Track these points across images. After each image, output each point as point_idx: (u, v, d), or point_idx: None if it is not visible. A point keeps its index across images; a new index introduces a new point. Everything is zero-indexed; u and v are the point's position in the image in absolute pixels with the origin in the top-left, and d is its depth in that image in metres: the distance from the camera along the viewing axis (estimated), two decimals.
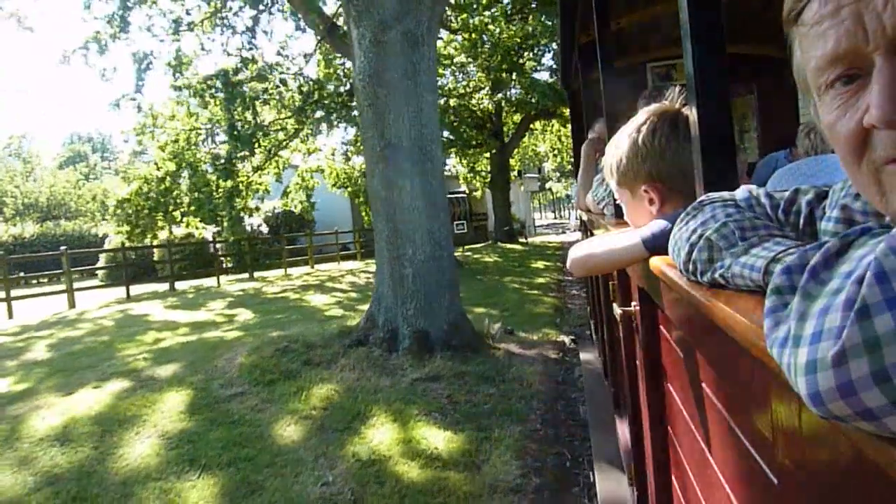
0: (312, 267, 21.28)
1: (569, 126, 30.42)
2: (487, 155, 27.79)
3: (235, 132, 16.03)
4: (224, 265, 25.05)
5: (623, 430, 3.08)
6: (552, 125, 30.54)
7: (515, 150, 28.89)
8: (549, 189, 68.40)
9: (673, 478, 1.55)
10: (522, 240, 26.29)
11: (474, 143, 28.08)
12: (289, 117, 18.20)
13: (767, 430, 0.69)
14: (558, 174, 61.81)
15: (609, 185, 1.72)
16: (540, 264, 18.10)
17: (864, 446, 0.41)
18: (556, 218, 72.86)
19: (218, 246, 25.05)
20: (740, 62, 4.41)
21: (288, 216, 26.91)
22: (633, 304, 1.85)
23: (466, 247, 25.86)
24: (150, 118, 17.95)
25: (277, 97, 17.30)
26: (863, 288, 0.39)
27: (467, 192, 30.63)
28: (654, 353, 1.61)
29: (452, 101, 20.59)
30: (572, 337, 8.42)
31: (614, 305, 2.19)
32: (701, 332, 0.99)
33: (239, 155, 16.18)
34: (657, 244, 1.19)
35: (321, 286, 15.43)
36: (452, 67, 22.11)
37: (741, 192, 0.90)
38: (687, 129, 1.32)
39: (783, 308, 0.48)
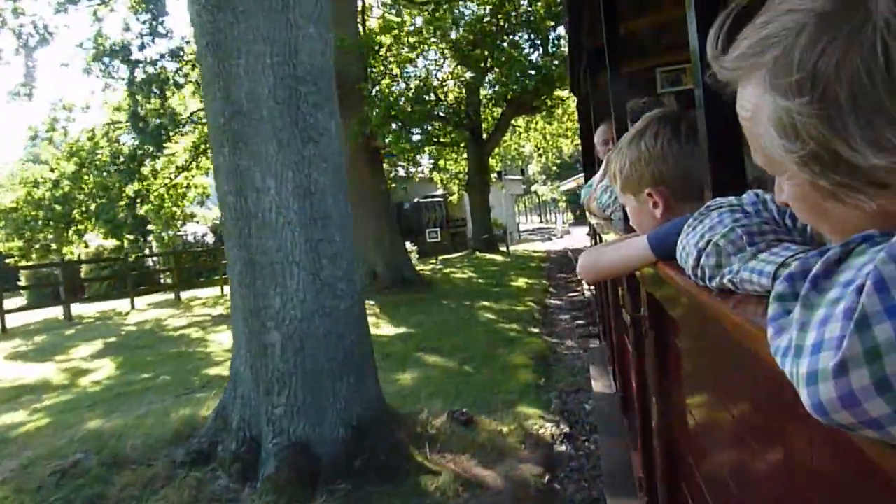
0: None
1: (555, 123, 27.28)
2: (465, 155, 24.60)
3: (141, 124, 12.70)
4: (162, 281, 21.79)
5: (632, 435, 2.82)
6: (536, 122, 27.41)
7: (496, 149, 25.68)
8: (535, 192, 65.42)
9: (682, 484, 1.53)
10: (504, 248, 23.03)
11: (448, 140, 24.90)
12: None
13: (777, 435, 0.70)
14: (544, 176, 58.73)
15: (613, 191, 2.08)
16: (522, 282, 14.87)
17: (871, 453, 0.42)
18: (542, 222, 69.86)
19: (154, 260, 21.72)
20: None
21: None
22: (642, 309, 1.86)
23: (441, 257, 22.61)
24: (60, 110, 14.59)
25: (197, 82, 13.98)
26: (862, 297, 0.38)
27: (444, 195, 27.39)
28: (662, 359, 1.62)
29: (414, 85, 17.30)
30: (564, 424, 5.20)
31: (623, 311, 2.36)
32: (710, 338, 0.98)
33: (143, 152, 12.82)
34: (666, 249, 1.12)
35: None
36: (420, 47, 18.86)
37: (748, 197, 0.91)
38: (689, 132, 1.33)
39: (785, 315, 0.48)
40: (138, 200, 13.48)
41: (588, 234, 8.68)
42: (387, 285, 13.61)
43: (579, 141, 28.14)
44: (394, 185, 24.68)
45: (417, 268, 18.79)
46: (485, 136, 24.28)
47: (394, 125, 13.21)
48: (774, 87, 0.52)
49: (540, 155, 28.32)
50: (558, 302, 12.15)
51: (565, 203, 56.96)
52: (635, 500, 2.49)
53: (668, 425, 1.59)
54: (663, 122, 1.39)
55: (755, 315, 0.64)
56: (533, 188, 63.82)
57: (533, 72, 15.65)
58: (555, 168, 54.19)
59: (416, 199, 27.96)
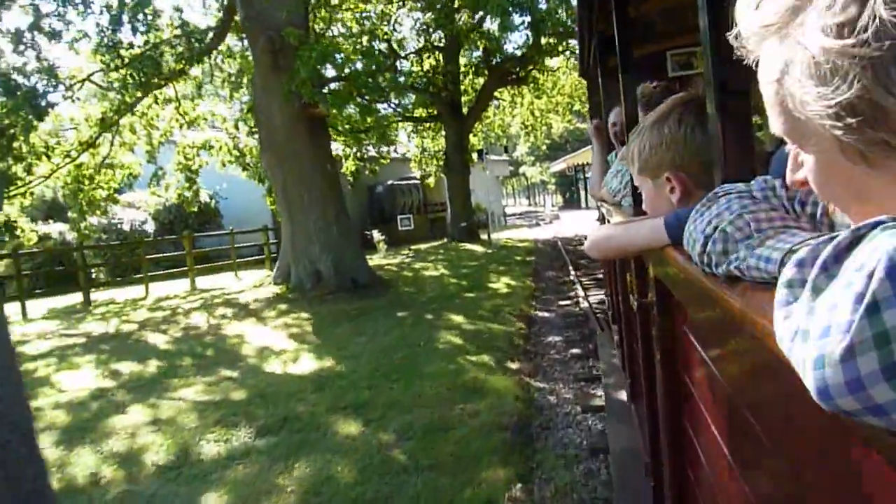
0: (193, 283, 14.97)
1: (544, 98, 24.30)
2: (443, 133, 21.65)
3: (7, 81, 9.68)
4: (94, 276, 18.78)
5: (639, 420, 2.94)
6: (522, 94, 24.43)
7: (476, 125, 22.71)
8: (523, 174, 62.50)
9: (688, 468, 1.53)
10: (486, 236, 20.14)
11: (424, 114, 21.93)
12: (121, 65, 11.84)
13: (781, 421, 0.69)
14: (532, 158, 55.72)
15: (623, 177, 2.23)
16: (503, 283, 12.03)
17: (874, 441, 0.42)
18: (530, 205, 67.14)
19: (84, 252, 18.69)
20: None
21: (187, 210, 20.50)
22: (649, 295, 1.84)
23: (414, 247, 19.73)
24: None
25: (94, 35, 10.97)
26: (872, 282, 0.38)
27: (423, 177, 24.44)
28: (670, 345, 1.61)
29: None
30: None
31: (631, 296, 2.30)
32: (716, 324, 0.95)
33: (13, 122, 9.81)
34: (681, 230, 1.03)
35: (119, 339, 9.20)
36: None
37: (757, 184, 0.89)
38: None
39: (793, 301, 0.47)
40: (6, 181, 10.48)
41: (597, 220, 6.97)
42: (332, 290, 10.73)
43: (572, 118, 25.17)
44: (364, 164, 21.78)
45: (383, 262, 15.91)
46: (465, 110, 21.32)
47: (336, 87, 10.23)
48: (817, 29, 0.48)
49: (527, 133, 25.37)
50: (547, 314, 9.33)
51: (555, 186, 54.12)
52: (643, 484, 2.44)
53: (675, 411, 1.57)
54: (688, 107, 1.35)
55: (762, 302, 0.63)
56: (521, 170, 60.91)
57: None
58: (544, 148, 51.31)
59: (389, 182, 25.00)
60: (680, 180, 1.35)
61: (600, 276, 12.30)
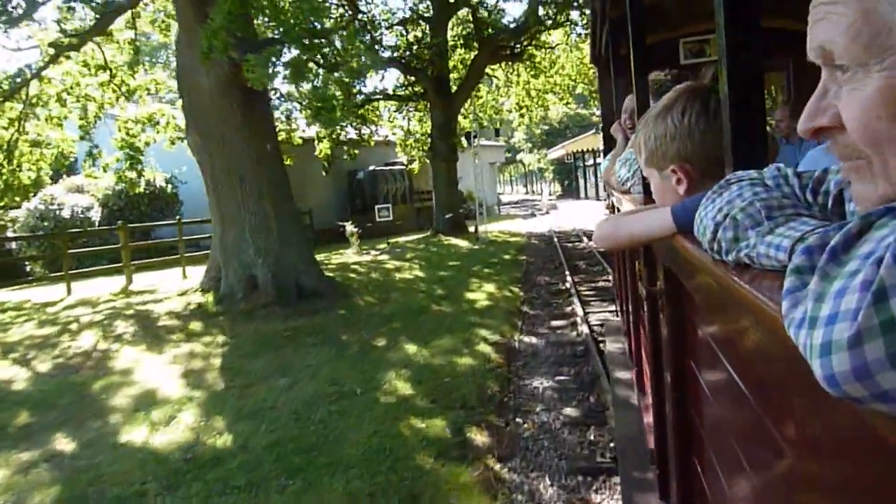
0: (129, 281, 12.78)
1: (542, 77, 22.03)
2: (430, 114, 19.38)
3: None
4: (29, 270, 16.59)
5: (645, 409, 2.90)
6: (517, 72, 22.14)
7: (467, 106, 20.42)
8: (520, 161, 60.20)
9: (694, 456, 1.52)
10: (474, 230, 17.89)
11: (409, 92, 19.67)
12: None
13: (789, 410, 0.69)
14: (530, 144, 53.35)
15: (632, 165, 2.22)
16: (484, 292, 9.84)
17: (880, 427, 0.41)
18: (528, 193, 64.91)
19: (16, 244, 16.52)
20: (775, 37, 4.07)
21: (140, 196, 18.28)
22: (658, 283, 1.83)
23: (393, 241, 17.54)
24: None
25: None
26: (881, 269, 0.38)
27: (407, 163, 22.17)
28: (678, 333, 1.60)
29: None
30: None
31: (640, 284, 2.23)
32: (726, 313, 0.96)
33: None
34: (689, 222, 1.02)
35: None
36: None
37: (769, 171, 0.89)
38: (718, 109, 1.25)
39: (802, 288, 0.47)
40: None
41: (607, 209, 6.76)
42: (269, 301, 8.55)
43: (571, 101, 22.82)
44: (345, 148, 19.56)
45: (351, 261, 13.72)
46: (453, 89, 19.04)
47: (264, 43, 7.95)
48: None
49: (522, 115, 23.07)
50: (534, 340, 7.16)
51: (552, 173, 51.87)
52: (648, 472, 2.46)
53: (682, 400, 1.57)
54: (693, 97, 1.33)
55: (771, 290, 0.63)
56: (518, 157, 58.61)
57: None
58: (539, 132, 48.93)
59: (372, 168, 22.74)
60: (685, 172, 1.32)
61: (602, 283, 10.19)
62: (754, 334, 0.76)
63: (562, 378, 5.77)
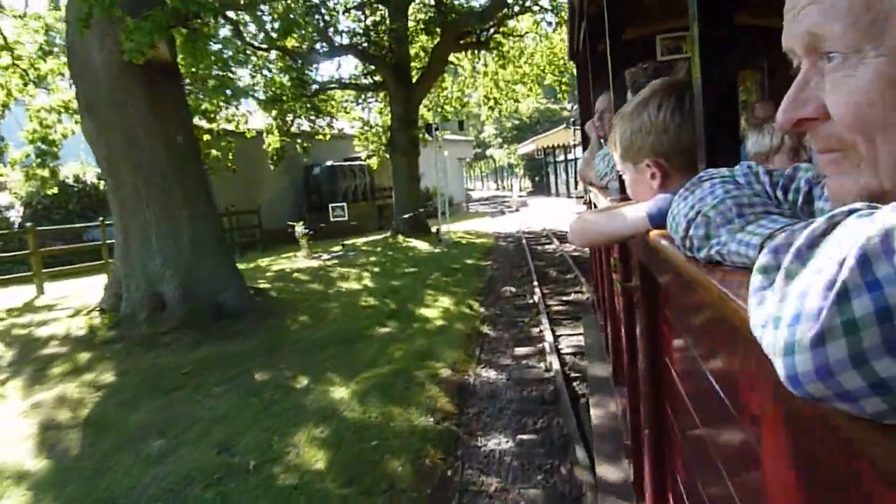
0: (40, 291, 11.15)
1: (510, 67, 20.79)
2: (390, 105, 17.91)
3: None
4: None
5: (621, 402, 2.96)
6: (484, 62, 20.83)
7: (431, 97, 19.03)
8: (490, 156, 59.06)
9: (667, 451, 1.53)
10: (441, 229, 16.46)
11: (368, 82, 18.21)
12: None
13: (757, 406, 0.70)
14: (500, 139, 52.15)
15: (610, 160, 2.21)
16: (440, 307, 8.47)
17: (842, 426, 0.42)
18: (498, 189, 63.85)
19: None
20: (751, 35, 4.12)
21: (67, 194, 16.56)
22: (633, 279, 1.86)
23: (349, 242, 16.10)
24: None
25: None
26: (843, 270, 0.38)
27: (366, 158, 20.66)
28: (652, 328, 1.61)
29: None
30: None
31: (616, 280, 2.29)
32: (697, 309, 0.98)
33: None
34: (662, 218, 1.06)
35: None
36: None
37: (740, 169, 0.89)
38: (693, 105, 1.26)
39: (768, 287, 0.47)
40: None
41: (584, 204, 6.25)
42: (178, 323, 7.07)
43: (542, 93, 21.63)
44: (298, 141, 18.02)
45: (296, 267, 12.26)
46: (414, 77, 17.62)
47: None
48: None
49: (491, 108, 21.74)
50: (494, 375, 5.83)
51: (523, 169, 50.77)
52: (623, 465, 2.48)
53: (656, 394, 1.57)
54: (668, 92, 1.34)
55: (741, 287, 0.63)
56: (488, 152, 57.46)
57: None
58: (509, 126, 47.77)
59: (329, 163, 21.22)
60: (660, 166, 1.33)
61: (575, 295, 8.94)
62: (725, 330, 0.75)
63: (526, 437, 4.44)
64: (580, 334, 6.72)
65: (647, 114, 1.33)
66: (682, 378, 1.29)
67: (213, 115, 13.39)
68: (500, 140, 51.96)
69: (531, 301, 8.70)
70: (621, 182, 1.86)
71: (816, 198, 0.83)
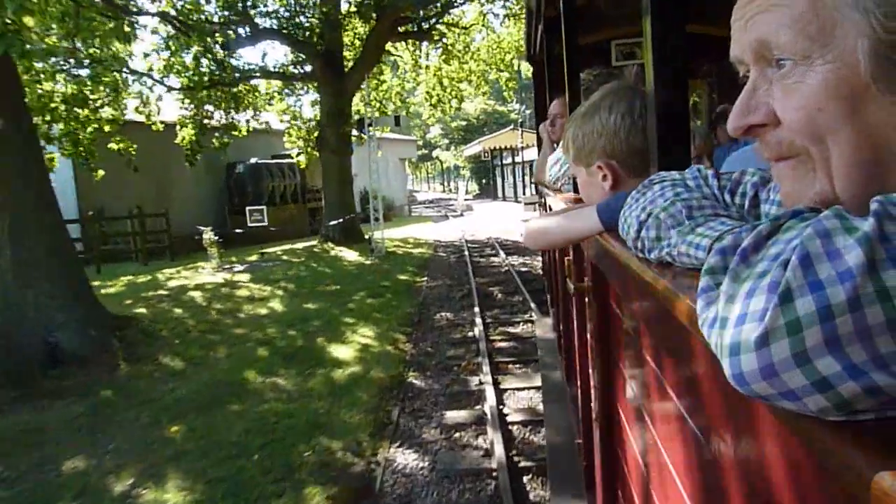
0: None
1: (455, 63, 19.32)
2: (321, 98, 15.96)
3: None
4: None
5: (573, 401, 2.92)
6: (426, 55, 19.15)
7: (372, 90, 17.19)
8: (437, 158, 57.54)
9: (619, 449, 1.54)
10: (374, 237, 14.56)
11: (296, 71, 16.26)
12: None
13: (707, 405, 0.71)
14: (447, 140, 50.63)
15: (563, 164, 2.25)
16: (356, 346, 6.68)
17: (787, 424, 0.43)
18: (444, 191, 62.38)
19: None
20: (701, 43, 4.01)
21: None
22: (585, 280, 1.86)
23: (271, 250, 14.15)
24: None
25: None
26: (787, 271, 0.39)
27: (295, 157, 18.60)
28: (604, 329, 1.62)
29: None
30: None
31: (568, 281, 2.24)
32: (648, 309, 0.97)
33: None
34: (614, 220, 1.07)
35: None
36: None
37: (690, 172, 0.90)
38: (643, 109, 1.30)
39: (715, 288, 0.48)
40: None
41: (538, 205, 6.15)
42: None
43: (488, 90, 20.18)
44: (216, 136, 15.91)
45: (196, 282, 10.27)
46: (348, 68, 15.78)
47: None
48: None
49: (434, 105, 20.05)
50: (414, 460, 4.11)
51: (469, 172, 49.39)
52: (575, 464, 2.47)
53: (607, 394, 1.59)
54: (619, 96, 1.36)
55: (690, 288, 0.64)
56: (434, 153, 55.91)
57: None
58: (458, 129, 46.36)
59: (254, 160, 19.12)
60: (611, 168, 1.35)
61: (524, 327, 7.35)
62: (674, 330, 0.76)
63: None
64: (533, 388, 5.10)
65: (599, 117, 1.34)
66: (633, 377, 1.30)
67: (86, 98, 11.17)
68: (446, 141, 50.43)
69: (471, 334, 7.02)
70: (575, 185, 1.91)
71: (762, 201, 0.82)
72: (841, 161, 0.50)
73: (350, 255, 13.55)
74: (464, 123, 46.24)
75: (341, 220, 14.90)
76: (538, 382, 5.09)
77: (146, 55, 14.91)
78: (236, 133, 16.16)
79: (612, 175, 1.34)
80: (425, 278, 10.77)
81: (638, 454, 1.26)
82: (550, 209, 3.03)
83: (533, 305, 7.76)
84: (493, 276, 10.61)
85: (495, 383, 5.33)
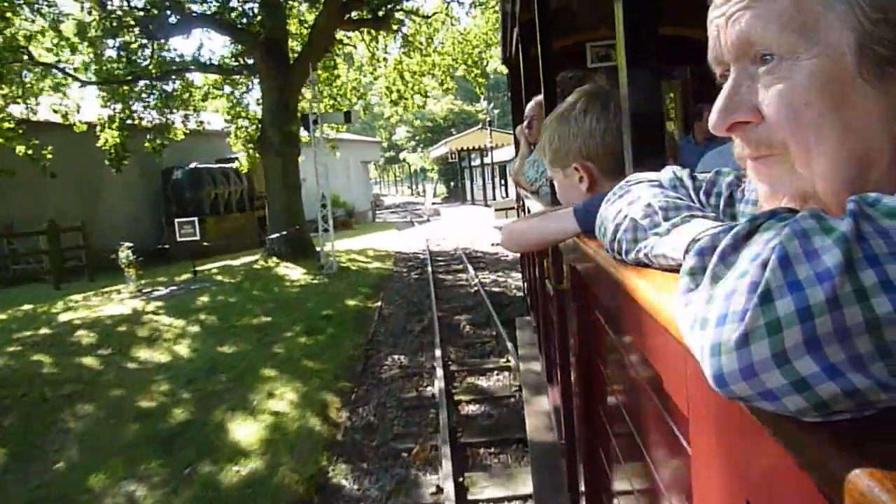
0: None
1: (417, 56, 17.87)
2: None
3: None
4: None
5: (555, 403, 2.88)
6: (384, 47, 17.35)
7: (322, 83, 15.27)
8: (404, 160, 55.74)
9: (600, 449, 1.53)
10: (323, 251, 12.49)
11: (237, 63, 14.33)
12: None
13: (684, 405, 0.71)
14: (414, 143, 48.75)
15: (540, 166, 2.28)
16: (267, 419, 4.80)
17: (767, 424, 0.43)
18: (413, 195, 60.61)
19: None
20: (676, 45, 4.10)
21: None
22: (564, 280, 1.86)
23: (207, 267, 12.20)
24: None
25: None
26: (766, 272, 0.39)
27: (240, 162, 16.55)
28: (583, 330, 1.61)
29: None
30: None
31: (548, 282, 2.24)
32: (626, 311, 0.97)
33: None
34: (591, 222, 1.04)
35: None
36: None
37: (665, 173, 0.89)
38: (618, 110, 1.30)
39: (694, 290, 0.47)
40: None
41: (512, 210, 6.26)
42: None
43: (453, 85, 18.78)
44: (149, 138, 13.86)
45: (99, 313, 8.31)
46: (293, 59, 13.86)
47: None
48: None
49: (394, 102, 18.18)
50: None
51: (437, 174, 47.65)
52: (558, 463, 2.47)
53: (588, 393, 1.59)
54: (593, 98, 1.36)
55: (668, 289, 0.64)
56: (402, 155, 54.10)
57: None
58: (424, 130, 44.59)
59: (193, 165, 17.07)
60: (587, 170, 1.35)
61: (500, 376, 5.58)
62: (653, 331, 0.77)
63: None
64: (519, 499, 3.35)
65: (574, 119, 1.35)
66: (612, 378, 1.30)
67: None
68: (413, 143, 48.55)
69: (429, 392, 5.22)
70: (552, 187, 1.91)
71: (737, 201, 0.82)
72: (824, 157, 0.51)
73: (295, 272, 11.62)
74: (430, 124, 44.49)
75: (288, 231, 12.95)
76: (527, 488, 3.33)
77: (57, 43, 12.84)
78: (172, 135, 14.15)
79: (589, 177, 1.34)
80: (379, 303, 8.92)
81: (620, 454, 1.25)
82: (529, 211, 3.01)
83: (509, 345, 5.98)
84: (460, 299, 8.82)
85: (460, 489, 3.54)
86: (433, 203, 33.38)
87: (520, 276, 8.77)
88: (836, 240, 0.37)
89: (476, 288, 9.24)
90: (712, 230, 0.55)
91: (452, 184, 41.07)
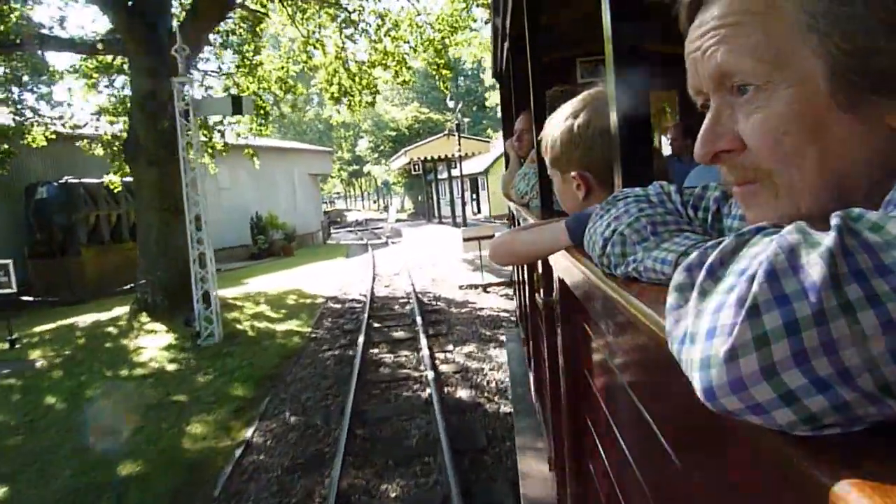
0: None
1: (365, 40, 14.60)
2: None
3: None
4: None
5: (544, 416, 2.89)
6: (318, 28, 13.53)
7: (242, 71, 11.18)
8: (368, 173, 51.75)
9: (589, 462, 1.52)
10: (200, 311, 8.23)
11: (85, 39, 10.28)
12: None
13: (672, 419, 0.70)
14: (377, 154, 44.59)
15: (530, 179, 2.36)
16: None
17: (755, 438, 0.43)
18: (378, 210, 56.56)
19: None
20: (668, 59, 2.63)
21: None
22: (554, 293, 1.83)
23: (36, 329, 8.01)
24: None
25: None
26: (754, 286, 0.39)
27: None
28: (573, 343, 1.61)
29: None
30: None
31: (537, 295, 2.17)
32: (615, 325, 0.95)
33: None
34: (582, 235, 1.01)
35: None
36: None
37: (653, 188, 0.89)
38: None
39: (683, 305, 0.47)
40: None
41: (507, 220, 5.88)
42: None
43: (410, 77, 16.17)
44: None
45: None
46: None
47: None
48: None
49: (335, 98, 14.22)
50: None
51: (403, 188, 43.63)
52: (546, 477, 2.46)
53: (577, 407, 1.58)
54: (598, 111, 1.33)
55: (657, 303, 0.63)
56: (366, 168, 50.07)
57: None
58: (387, 140, 40.64)
59: (65, 179, 12.81)
60: (585, 179, 1.35)
61: None
62: (642, 344, 0.78)
63: None
64: None
65: (577, 127, 1.35)
66: (601, 391, 1.31)
67: None
68: (376, 155, 44.48)
69: None
70: (542, 200, 1.94)
71: (725, 215, 0.83)
72: (806, 183, 0.52)
73: (160, 340, 7.52)
74: (393, 133, 40.51)
75: (163, 273, 8.82)
76: None
77: None
78: (30, 140, 10.03)
79: (586, 186, 1.35)
80: (254, 426, 4.85)
81: (609, 469, 1.25)
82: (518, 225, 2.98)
83: None
84: (401, 422, 4.81)
85: None
86: (396, 220, 29.28)
87: (505, 358, 5.19)
88: (822, 254, 0.38)
89: (429, 391, 5.26)
90: (700, 244, 0.57)
91: (420, 198, 37.03)
